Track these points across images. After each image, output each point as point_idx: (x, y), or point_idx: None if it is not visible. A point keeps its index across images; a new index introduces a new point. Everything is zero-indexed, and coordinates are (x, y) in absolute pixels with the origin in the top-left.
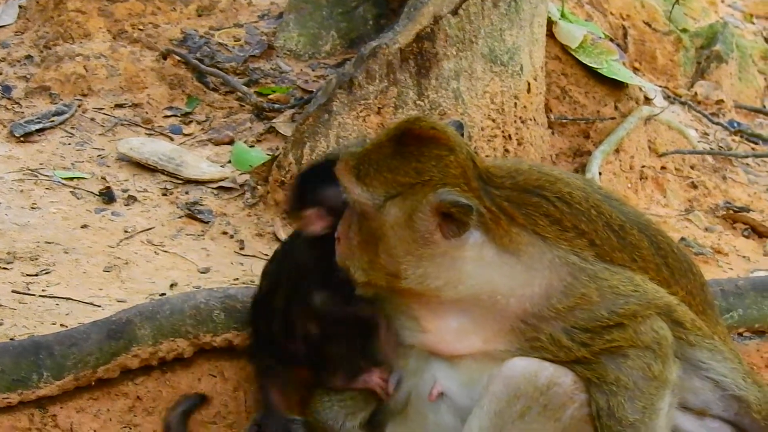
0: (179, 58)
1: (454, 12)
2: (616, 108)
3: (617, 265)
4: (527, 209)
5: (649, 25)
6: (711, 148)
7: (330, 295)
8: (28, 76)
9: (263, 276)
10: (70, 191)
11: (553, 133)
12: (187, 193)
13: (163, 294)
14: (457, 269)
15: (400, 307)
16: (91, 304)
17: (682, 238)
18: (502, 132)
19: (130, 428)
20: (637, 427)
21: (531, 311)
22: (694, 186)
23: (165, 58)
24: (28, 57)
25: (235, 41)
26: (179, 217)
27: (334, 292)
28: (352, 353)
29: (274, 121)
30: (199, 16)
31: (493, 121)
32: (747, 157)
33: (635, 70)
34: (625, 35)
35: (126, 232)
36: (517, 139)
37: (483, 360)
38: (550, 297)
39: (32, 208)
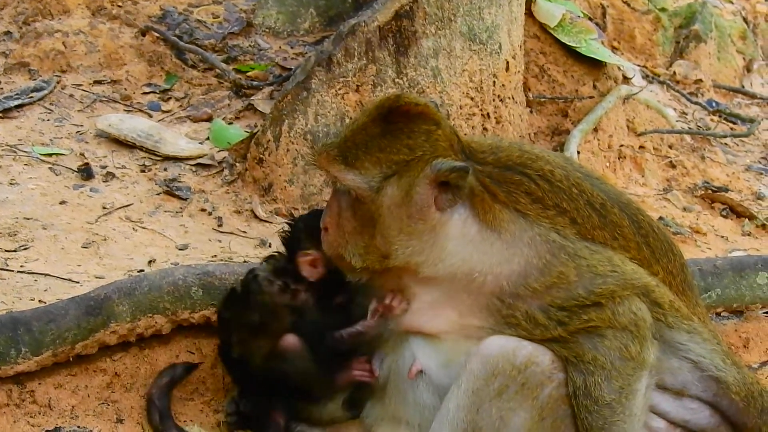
0: (158, 35)
1: None
2: (594, 87)
3: (598, 244)
4: (509, 186)
5: (628, 4)
6: (689, 128)
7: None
8: (7, 52)
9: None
10: (49, 167)
11: (531, 112)
12: (165, 169)
13: (142, 270)
14: (440, 246)
15: (381, 286)
16: (70, 280)
17: (661, 218)
18: (481, 110)
19: (108, 404)
20: (614, 407)
21: (507, 289)
22: (673, 165)
23: (144, 35)
24: (7, 33)
25: (213, 18)
26: (157, 194)
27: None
28: (327, 378)
29: (252, 98)
30: None
31: (472, 99)
32: (725, 136)
33: (614, 49)
34: (603, 14)
35: (104, 208)
36: (495, 118)
37: (461, 338)
38: (527, 276)
39: (11, 183)
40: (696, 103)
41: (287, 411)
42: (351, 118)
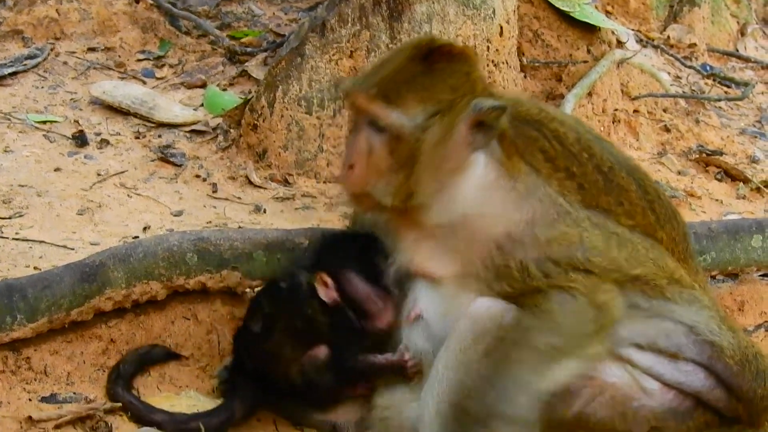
0: (152, 2)
1: None
2: (588, 51)
3: (601, 214)
4: (526, 140)
5: None
6: (683, 92)
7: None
8: (1, 20)
9: (255, 311)
10: (43, 135)
11: (525, 77)
12: (159, 136)
13: (136, 237)
14: (460, 187)
15: (394, 228)
16: (65, 247)
17: (656, 182)
18: None
19: (104, 371)
20: (534, 355)
21: (512, 236)
22: (667, 129)
23: (137, 2)
24: (0, 1)
25: None
26: (152, 161)
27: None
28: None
29: (246, 64)
30: None
31: None
32: (719, 100)
33: (608, 13)
34: None
35: (99, 175)
36: (489, 83)
37: (459, 289)
38: (534, 225)
39: (5, 151)
40: (690, 67)
41: (278, 410)
42: (379, 58)
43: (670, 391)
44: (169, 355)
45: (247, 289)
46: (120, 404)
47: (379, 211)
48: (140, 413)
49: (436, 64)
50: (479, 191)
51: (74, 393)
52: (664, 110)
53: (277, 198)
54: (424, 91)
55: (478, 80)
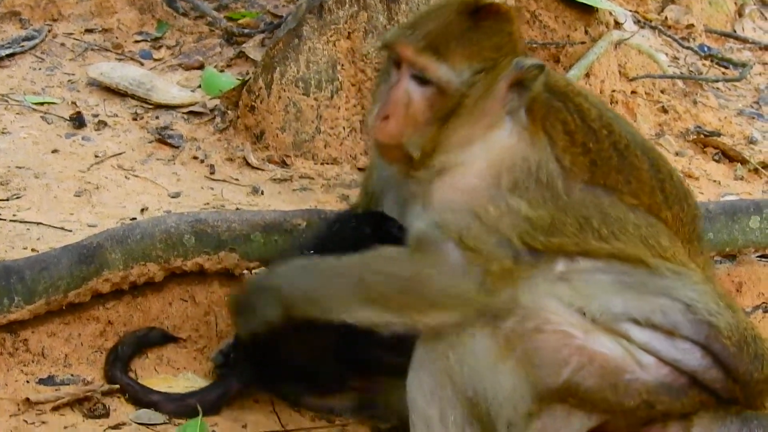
0: None
1: None
2: (586, 32)
3: (608, 188)
4: (549, 110)
5: None
6: (681, 73)
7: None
8: None
9: None
10: (41, 116)
11: None
12: (157, 117)
13: (134, 218)
14: (486, 146)
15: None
16: (62, 228)
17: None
18: None
19: (101, 352)
20: (405, 294)
21: (497, 203)
22: (665, 110)
23: None
24: None
25: None
26: (149, 142)
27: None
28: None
29: (244, 46)
30: None
31: None
32: (717, 81)
33: None
34: None
35: (96, 156)
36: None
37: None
38: (521, 200)
39: (2, 132)
40: (688, 48)
41: (274, 390)
42: (421, 11)
43: (666, 367)
44: (167, 338)
45: (245, 271)
46: (117, 386)
47: (404, 163)
48: (137, 395)
49: (482, 21)
50: (497, 151)
51: (72, 375)
52: (662, 91)
53: (274, 179)
54: (472, 47)
55: (518, 41)
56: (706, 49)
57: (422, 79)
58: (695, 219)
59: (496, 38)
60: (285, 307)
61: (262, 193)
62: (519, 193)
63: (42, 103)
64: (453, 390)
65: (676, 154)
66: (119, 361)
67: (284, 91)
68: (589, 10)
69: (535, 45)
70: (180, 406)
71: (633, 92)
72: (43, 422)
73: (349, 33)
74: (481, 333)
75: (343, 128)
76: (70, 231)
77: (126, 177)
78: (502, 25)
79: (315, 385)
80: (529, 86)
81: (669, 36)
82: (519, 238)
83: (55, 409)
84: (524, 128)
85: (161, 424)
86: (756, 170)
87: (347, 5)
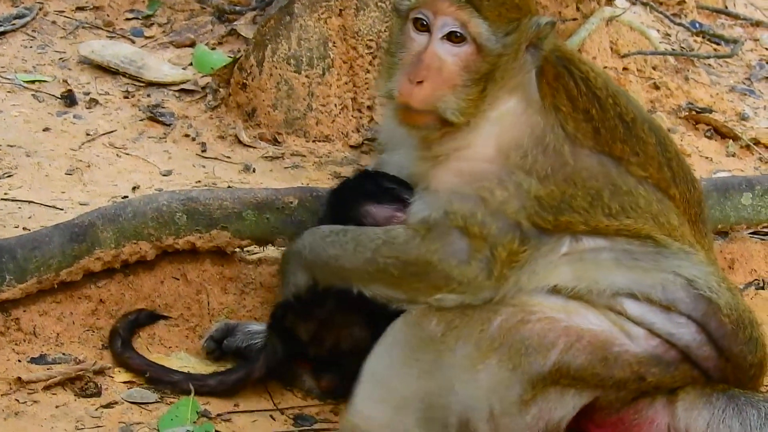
0: None
1: None
2: (577, 9)
3: (615, 157)
4: (554, 75)
5: None
6: (673, 49)
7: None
8: None
9: None
10: (32, 94)
11: None
12: (148, 95)
13: (126, 197)
14: (503, 109)
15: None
16: (54, 207)
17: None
18: None
19: (93, 331)
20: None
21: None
22: (657, 87)
23: None
24: None
25: None
26: (141, 120)
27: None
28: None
29: (235, 23)
30: None
31: None
32: (709, 57)
33: None
34: None
35: (88, 135)
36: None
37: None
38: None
39: None
40: (679, 24)
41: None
42: None
43: (656, 339)
44: (154, 317)
45: (237, 249)
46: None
47: (434, 128)
48: (158, 375)
49: None
50: (508, 121)
51: (63, 354)
52: (654, 68)
53: (266, 157)
54: (503, 5)
55: (534, 5)
56: (697, 25)
57: (458, 39)
58: (701, 203)
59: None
60: (309, 273)
61: (254, 170)
62: (528, 167)
63: (33, 81)
64: (418, 379)
65: (668, 130)
66: (126, 345)
67: (276, 68)
68: None
69: None
70: (202, 386)
71: (625, 69)
72: (35, 401)
73: (340, 10)
74: (466, 334)
75: (335, 105)
76: (62, 209)
77: (117, 155)
78: None
79: (340, 370)
80: (541, 46)
81: (660, 12)
82: (527, 218)
83: (47, 388)
84: (534, 92)
85: (153, 402)
86: (748, 147)
87: None
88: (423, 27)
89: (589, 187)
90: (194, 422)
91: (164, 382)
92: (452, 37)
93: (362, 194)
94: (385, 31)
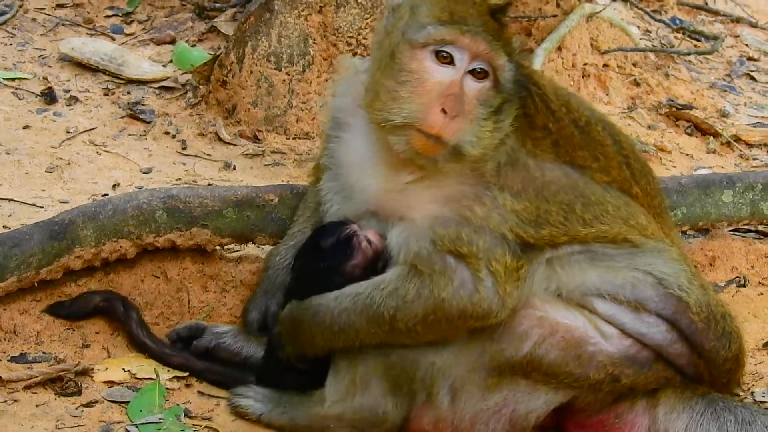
0: None
1: None
2: (558, 5)
3: (577, 166)
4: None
5: None
6: (653, 46)
7: None
8: None
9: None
10: (12, 92)
11: None
12: (128, 93)
13: (106, 194)
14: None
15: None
16: (34, 205)
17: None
18: None
19: (73, 330)
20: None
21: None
22: (637, 83)
23: None
24: None
25: None
26: (121, 117)
27: None
28: None
29: (215, 20)
30: None
31: None
32: (689, 54)
33: None
34: None
35: (68, 132)
36: None
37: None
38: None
39: None
40: (660, 21)
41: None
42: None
43: (628, 339)
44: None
45: (217, 247)
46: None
47: (446, 160)
48: (188, 363)
49: (502, 18)
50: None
51: (44, 352)
52: (634, 64)
53: (246, 154)
54: (509, 42)
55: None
56: (678, 21)
57: (480, 74)
58: (660, 192)
59: (509, 32)
60: (308, 344)
61: (234, 168)
62: (501, 183)
63: (13, 79)
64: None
65: (649, 127)
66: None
67: (256, 65)
68: None
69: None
70: (224, 377)
71: (605, 65)
72: (15, 400)
73: (320, 7)
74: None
75: (315, 103)
76: (42, 207)
77: (98, 153)
78: (507, 19)
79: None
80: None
81: (641, 9)
82: (510, 231)
83: (28, 387)
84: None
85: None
86: (728, 143)
87: None
88: (445, 60)
89: (561, 201)
90: (162, 406)
91: (193, 369)
92: (475, 73)
93: (336, 256)
94: (365, 28)
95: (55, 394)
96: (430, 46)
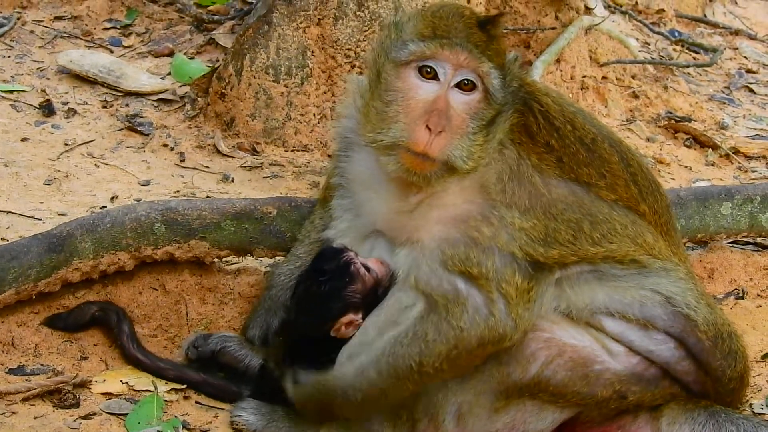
0: None
1: None
2: (556, 18)
3: (583, 183)
4: (516, 113)
5: None
6: (652, 58)
7: None
8: None
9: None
10: (10, 104)
11: None
12: (127, 105)
13: (104, 207)
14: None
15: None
16: (32, 217)
17: (639, 154)
18: None
19: (72, 342)
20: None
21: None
22: (636, 96)
23: None
24: None
25: None
26: (119, 130)
27: None
28: None
29: (213, 32)
30: None
31: None
32: (688, 66)
33: None
34: None
35: (66, 145)
36: None
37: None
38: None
39: None
40: (658, 33)
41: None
42: (431, 20)
43: (636, 356)
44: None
45: (215, 259)
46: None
47: (439, 176)
48: (184, 374)
49: (494, 31)
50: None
51: (42, 364)
52: (633, 77)
53: (245, 167)
54: (500, 50)
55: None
56: (676, 34)
57: (468, 87)
58: (668, 209)
59: (501, 45)
60: (333, 415)
61: (233, 180)
62: (507, 200)
63: (11, 91)
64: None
65: (648, 139)
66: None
67: (254, 78)
68: None
69: (505, 30)
70: (219, 390)
71: (604, 78)
72: (13, 413)
73: (319, 19)
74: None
75: (314, 115)
76: (40, 220)
77: (96, 165)
78: (500, 33)
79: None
80: (512, 83)
81: (640, 21)
82: (520, 249)
83: (26, 399)
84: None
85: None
86: (727, 156)
87: None
88: (429, 74)
89: (569, 220)
90: (160, 418)
91: (188, 381)
92: (462, 85)
93: (335, 283)
94: (363, 41)
95: (53, 406)
96: (413, 63)
